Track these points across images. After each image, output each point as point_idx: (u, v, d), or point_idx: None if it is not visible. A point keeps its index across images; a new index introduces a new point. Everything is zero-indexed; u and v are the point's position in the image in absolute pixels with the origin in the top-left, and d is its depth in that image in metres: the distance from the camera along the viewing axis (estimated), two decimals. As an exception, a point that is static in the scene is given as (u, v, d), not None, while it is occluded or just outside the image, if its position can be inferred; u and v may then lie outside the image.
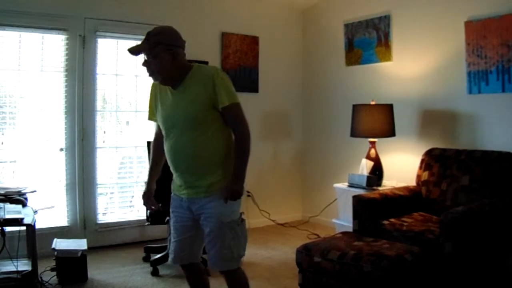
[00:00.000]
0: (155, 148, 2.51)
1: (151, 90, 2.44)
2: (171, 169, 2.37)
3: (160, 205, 2.54)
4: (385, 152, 4.50)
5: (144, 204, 2.57)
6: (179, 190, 2.37)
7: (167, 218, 2.45)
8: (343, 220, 4.31)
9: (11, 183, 3.80)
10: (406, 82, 4.50)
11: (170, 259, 2.47)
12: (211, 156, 2.26)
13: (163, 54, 2.20)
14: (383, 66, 4.70)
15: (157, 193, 3.95)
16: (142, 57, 2.31)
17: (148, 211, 2.53)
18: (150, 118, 2.47)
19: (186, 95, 2.24)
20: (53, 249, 3.42)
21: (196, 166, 2.25)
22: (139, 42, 4.98)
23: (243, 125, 2.26)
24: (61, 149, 4.19)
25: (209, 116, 2.23)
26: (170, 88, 2.30)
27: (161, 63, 2.20)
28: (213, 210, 2.25)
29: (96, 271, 3.67)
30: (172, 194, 2.45)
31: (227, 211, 2.26)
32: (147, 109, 2.48)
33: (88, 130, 4.27)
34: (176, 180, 2.39)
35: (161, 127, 2.37)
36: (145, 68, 2.26)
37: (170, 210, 2.45)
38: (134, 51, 2.26)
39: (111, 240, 4.38)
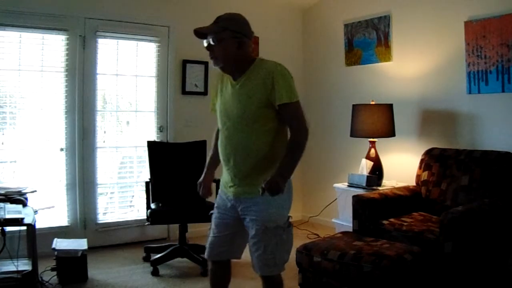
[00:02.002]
0: (217, 139, 2.43)
1: (215, 81, 2.37)
2: (221, 161, 2.31)
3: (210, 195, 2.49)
4: (385, 152, 4.50)
5: (198, 191, 2.49)
6: (226, 187, 2.30)
7: (211, 212, 2.44)
8: (343, 220, 4.31)
9: (11, 183, 3.80)
10: (406, 82, 4.50)
11: (206, 254, 2.39)
12: (262, 156, 2.17)
13: (228, 41, 2.13)
14: (383, 66, 4.70)
15: (158, 192, 3.97)
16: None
17: (202, 195, 2.49)
18: (211, 110, 2.40)
19: (244, 89, 2.17)
20: (53, 249, 3.42)
21: (246, 164, 2.17)
22: (139, 43, 5.00)
23: (300, 121, 2.15)
24: (61, 149, 4.19)
25: (264, 114, 2.14)
26: (231, 80, 2.23)
27: (225, 50, 2.13)
28: (259, 213, 2.17)
29: (96, 271, 3.67)
30: (219, 190, 2.39)
31: (273, 215, 2.18)
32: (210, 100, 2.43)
33: (88, 130, 4.27)
34: (225, 175, 2.31)
35: (218, 120, 2.31)
36: (208, 52, 2.19)
37: (215, 206, 2.40)
38: (200, 32, 2.17)
39: (111, 240, 4.38)
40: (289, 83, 2.14)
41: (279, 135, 2.21)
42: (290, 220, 2.27)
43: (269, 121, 2.16)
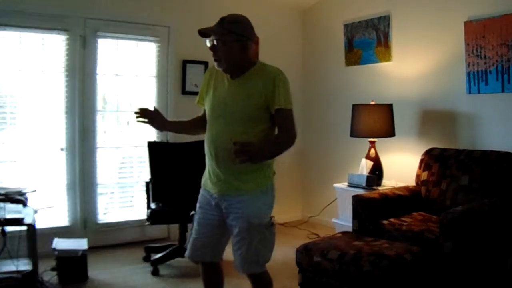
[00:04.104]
0: (191, 120, 2.48)
1: (206, 74, 2.40)
2: (207, 159, 2.32)
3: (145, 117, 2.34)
4: (385, 152, 4.50)
5: (142, 109, 2.37)
6: (210, 182, 2.30)
7: (192, 212, 2.44)
8: (343, 220, 4.31)
9: (11, 183, 3.80)
10: (406, 82, 4.50)
11: (187, 254, 2.40)
12: None
13: (233, 43, 2.17)
14: (383, 66, 4.70)
15: (158, 192, 3.97)
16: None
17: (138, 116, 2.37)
18: (198, 102, 2.44)
19: (243, 88, 2.21)
20: (54, 249, 3.43)
21: (233, 162, 2.16)
22: (139, 43, 5.00)
23: (292, 127, 2.23)
24: (62, 149, 4.20)
25: (259, 116, 2.20)
26: (228, 77, 2.26)
27: (229, 52, 2.17)
28: (243, 210, 2.20)
29: (96, 271, 3.67)
30: (201, 189, 2.40)
31: (257, 213, 2.21)
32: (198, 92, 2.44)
33: (88, 130, 4.27)
34: (208, 173, 2.32)
35: (207, 113, 2.33)
36: (211, 53, 2.22)
37: (197, 206, 2.40)
38: (204, 32, 2.20)
39: (111, 240, 4.38)
40: (288, 91, 2.24)
41: (268, 137, 2.25)
42: (273, 220, 2.29)
43: (263, 122, 2.22)
